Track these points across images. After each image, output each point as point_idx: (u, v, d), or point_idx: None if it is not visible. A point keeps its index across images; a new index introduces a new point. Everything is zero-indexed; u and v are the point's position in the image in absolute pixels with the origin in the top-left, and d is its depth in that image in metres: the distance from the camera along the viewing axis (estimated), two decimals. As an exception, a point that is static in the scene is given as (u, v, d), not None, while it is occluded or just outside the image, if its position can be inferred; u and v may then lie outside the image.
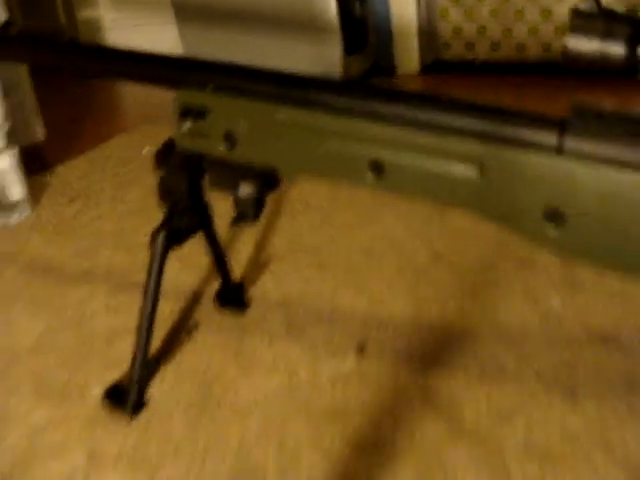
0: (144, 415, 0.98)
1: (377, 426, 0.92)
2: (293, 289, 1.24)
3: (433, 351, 1.05)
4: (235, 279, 1.21)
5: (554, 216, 0.72)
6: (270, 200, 1.53)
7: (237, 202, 0.92)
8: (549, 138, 0.71)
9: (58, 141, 2.14)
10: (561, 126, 0.71)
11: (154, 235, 0.98)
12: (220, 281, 1.19)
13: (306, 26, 2.37)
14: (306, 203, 1.58)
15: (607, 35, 0.66)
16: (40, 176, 1.90)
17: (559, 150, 0.70)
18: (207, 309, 1.20)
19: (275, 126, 0.82)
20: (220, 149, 0.87)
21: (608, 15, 0.67)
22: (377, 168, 0.78)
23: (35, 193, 1.78)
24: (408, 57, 2.62)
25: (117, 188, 1.80)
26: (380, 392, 0.98)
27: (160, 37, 2.83)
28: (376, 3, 2.58)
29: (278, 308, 1.19)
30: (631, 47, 0.65)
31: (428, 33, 2.61)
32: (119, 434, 0.95)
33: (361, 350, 1.06)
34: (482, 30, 2.53)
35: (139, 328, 0.99)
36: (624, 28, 0.66)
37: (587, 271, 1.19)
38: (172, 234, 0.98)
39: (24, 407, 1.03)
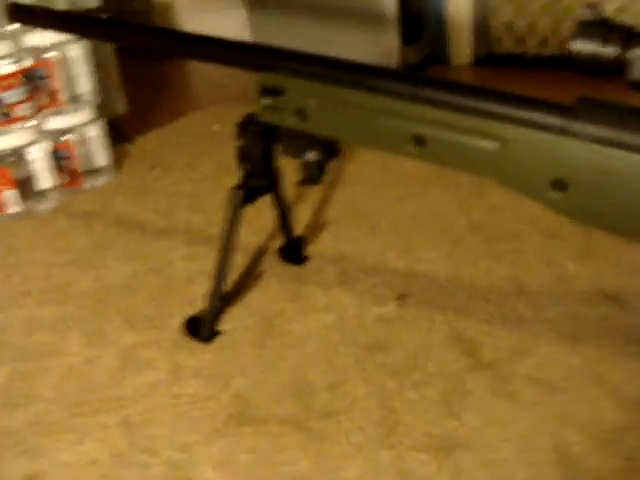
0: (217, 341, 1.19)
1: (411, 357, 1.11)
2: (347, 247, 1.44)
3: (463, 302, 1.23)
4: (297, 236, 1.40)
5: (558, 184, 0.90)
6: (330, 172, 1.74)
7: (304, 166, 1.12)
8: (557, 120, 0.88)
9: (138, 115, 2.35)
10: (567, 111, 0.88)
11: (233, 193, 1.17)
12: (283, 238, 1.38)
13: (366, 16, 2.54)
14: (362, 175, 1.77)
15: (604, 40, 0.83)
16: (122, 146, 2.12)
17: (564, 131, 0.88)
18: (271, 261, 1.41)
19: (339, 104, 1.01)
20: (293, 121, 1.06)
21: (605, 24, 0.83)
22: (419, 141, 0.96)
23: (118, 160, 1.99)
24: (461, 49, 2.77)
25: (190, 158, 2.01)
26: (416, 332, 1.17)
27: (229, 22, 3.02)
28: (433, -4, 2.74)
29: (333, 262, 1.39)
30: (623, 50, 0.82)
31: (481, 27, 2.76)
32: (197, 354, 1.16)
33: (402, 298, 1.25)
34: (532, 26, 2.68)
35: (217, 268, 1.19)
36: (618, 35, 0.82)
37: (603, 243, 1.37)
38: (248, 192, 1.18)
39: (117, 332, 1.24)
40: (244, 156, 1.17)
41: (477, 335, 1.15)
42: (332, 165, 1.64)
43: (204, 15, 3.17)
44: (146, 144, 2.16)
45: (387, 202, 1.63)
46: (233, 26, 2.89)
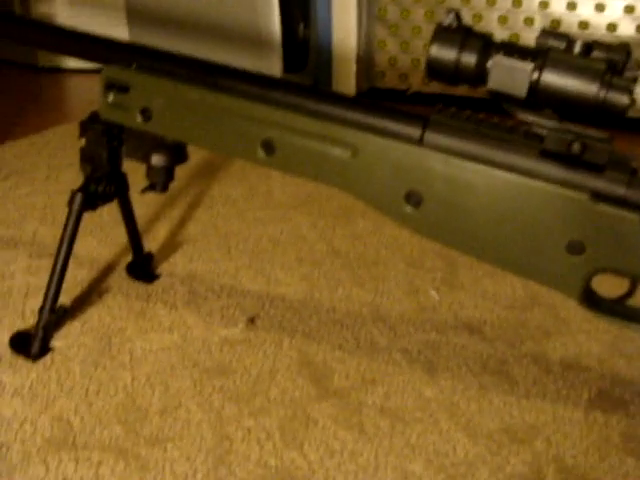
0: (48, 358, 1.08)
1: (254, 383, 1.03)
2: (200, 267, 1.36)
3: (316, 327, 1.16)
4: (147, 252, 1.31)
5: (413, 198, 0.84)
6: (193, 192, 1.65)
7: (148, 172, 1.03)
8: (413, 131, 0.84)
9: (1, 126, 2.22)
10: (424, 121, 0.84)
11: (72, 196, 1.08)
12: (132, 253, 1.29)
13: (249, 42, 2.49)
14: (226, 197, 1.70)
15: (462, 47, 0.79)
16: (-21, 154, 1.98)
17: (419, 141, 0.83)
18: (119, 278, 1.31)
19: (185, 104, 0.94)
20: (137, 121, 0.98)
21: (465, 30, 0.79)
22: (268, 147, 0.89)
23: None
24: (345, 82, 2.76)
25: (52, 170, 1.89)
26: (262, 357, 1.09)
27: (112, 35, 2.93)
28: (320, 28, 2.72)
29: (183, 281, 1.30)
30: (482, 59, 0.78)
31: (366, 61, 2.76)
32: (21, 372, 1.05)
33: (251, 321, 1.17)
34: (416, 63, 2.68)
35: (50, 279, 1.09)
36: (478, 42, 0.78)
37: (468, 273, 1.33)
38: (89, 197, 1.08)
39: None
40: (86, 157, 1.08)
41: (328, 361, 1.08)
42: (196, 185, 1.57)
43: (87, 28, 3.05)
44: (4, 153, 2.03)
45: (248, 224, 1.56)
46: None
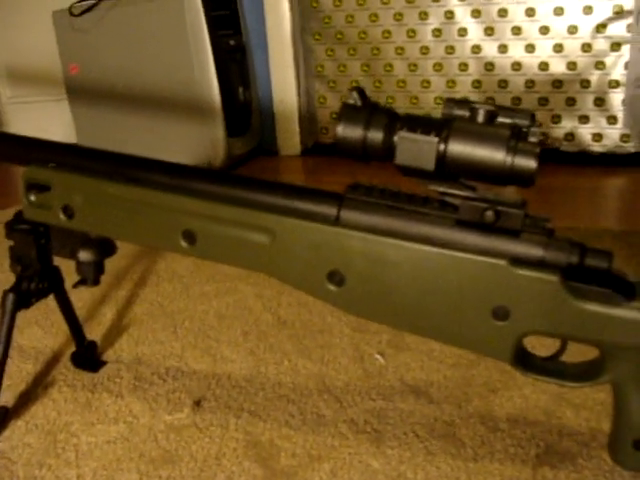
0: (-11, 462, 1.06)
1: (200, 470, 1.02)
2: (146, 350, 1.35)
3: (262, 404, 1.16)
4: (90, 340, 1.30)
5: (335, 278, 0.85)
6: (139, 270, 1.65)
7: (78, 267, 1.03)
8: (328, 210, 0.84)
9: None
10: (339, 200, 0.85)
11: (5, 296, 1.07)
12: (75, 343, 1.28)
13: (190, 109, 2.51)
14: (171, 273, 1.70)
15: (368, 125, 0.80)
16: None
17: (337, 220, 0.84)
18: (65, 368, 1.29)
19: (105, 200, 0.94)
20: (60, 219, 0.98)
21: (370, 107, 0.81)
22: (189, 237, 0.90)
23: None
24: (289, 140, 2.78)
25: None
26: (208, 441, 1.08)
27: (55, 113, 2.95)
28: (260, 89, 2.75)
29: (129, 367, 1.29)
30: (388, 135, 0.79)
31: (308, 118, 2.79)
32: (-38, 480, 1.03)
33: (197, 404, 1.16)
34: (357, 116, 2.72)
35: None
36: (382, 118, 0.80)
37: (413, 335, 1.33)
38: (21, 296, 1.08)
39: None
40: (16, 257, 1.08)
41: (274, 440, 1.07)
42: (142, 263, 1.57)
43: (31, 108, 3.08)
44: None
45: (193, 300, 1.56)
46: (60, 117, 2.81)
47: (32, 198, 0.99)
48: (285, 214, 0.85)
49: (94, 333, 1.36)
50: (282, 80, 2.71)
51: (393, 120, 0.79)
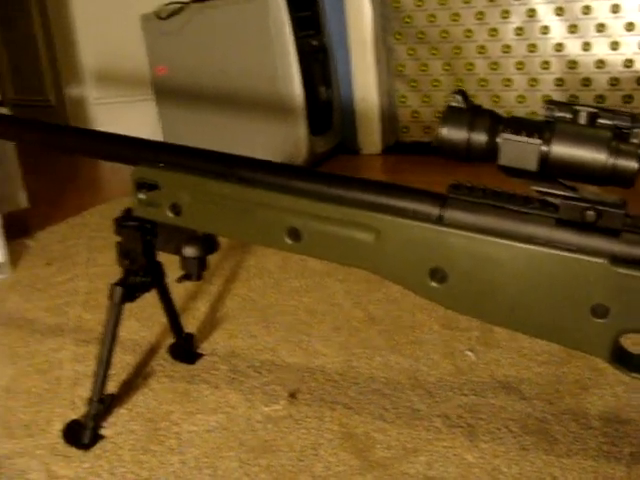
0: (98, 447, 1.11)
1: (298, 459, 1.05)
2: (240, 343, 1.39)
3: (356, 398, 1.19)
4: (187, 333, 1.35)
5: (437, 275, 0.87)
6: (229, 266, 1.69)
7: (182, 263, 1.08)
8: (432, 210, 0.87)
9: (41, 209, 2.30)
10: (442, 199, 0.87)
11: (112, 290, 1.12)
12: (173, 335, 1.33)
13: (274, 107, 2.55)
14: (261, 269, 1.74)
15: (472, 127, 0.82)
16: (22, 240, 2.05)
17: (440, 220, 0.86)
18: (162, 360, 1.35)
19: (212, 198, 0.98)
20: (168, 217, 1.03)
21: (473, 109, 0.82)
22: (294, 234, 0.93)
23: (16, 256, 1.93)
24: (370, 139, 2.81)
25: (92, 252, 1.95)
26: (305, 432, 1.11)
27: (141, 112, 3.02)
28: (341, 88, 2.78)
29: (225, 359, 1.33)
30: (491, 137, 0.81)
31: (389, 117, 2.81)
32: (74, 463, 1.08)
33: (292, 396, 1.20)
34: (439, 115, 2.73)
35: (96, 371, 1.13)
36: (486, 120, 0.81)
37: (503, 331, 1.34)
38: (128, 289, 1.13)
39: (-8, 439, 1.16)
40: (123, 252, 1.12)
41: (369, 432, 1.10)
42: (232, 259, 1.61)
43: (117, 108, 3.16)
44: (47, 238, 2.10)
45: (284, 296, 1.60)
46: (146, 116, 2.88)
47: (141, 196, 1.04)
48: (389, 213, 0.88)
49: (189, 326, 1.40)
50: (363, 79, 2.74)
51: (496, 122, 0.81)
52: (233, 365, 1.31)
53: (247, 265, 1.76)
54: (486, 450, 1.05)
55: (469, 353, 1.30)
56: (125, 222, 1.10)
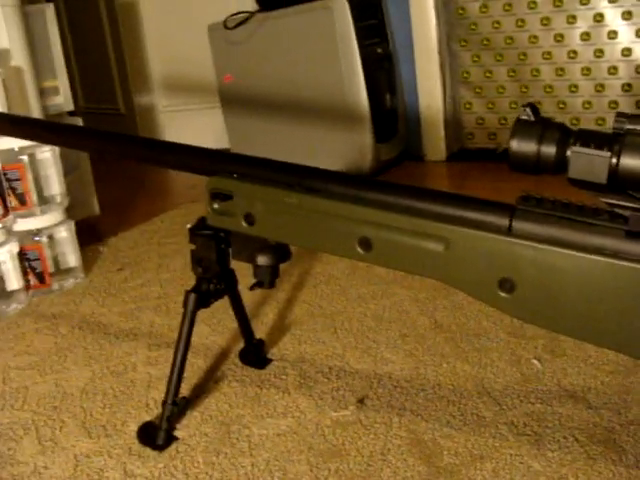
0: (172, 448, 1.15)
1: (367, 464, 1.08)
2: (309, 349, 1.42)
3: (424, 404, 1.21)
4: (257, 339, 1.38)
5: (506, 285, 0.88)
6: (296, 273, 1.72)
7: (255, 271, 1.11)
8: (501, 221, 0.88)
9: (112, 215, 2.37)
10: (511, 210, 0.88)
11: (187, 296, 1.16)
12: (244, 341, 1.37)
13: (339, 115, 2.58)
14: (328, 276, 1.77)
15: (541, 140, 0.83)
16: (94, 246, 2.12)
17: (509, 230, 0.87)
18: (233, 364, 1.38)
19: (285, 208, 1.01)
20: (242, 226, 1.06)
21: (543, 123, 0.84)
22: (365, 244, 0.95)
23: (89, 261, 1.99)
24: (435, 146, 2.82)
25: (162, 258, 2.00)
26: (373, 437, 1.14)
27: (208, 120, 3.08)
28: (406, 95, 2.79)
29: (294, 365, 1.36)
30: (560, 149, 0.82)
31: (453, 124, 2.81)
32: (149, 463, 1.12)
33: (361, 402, 1.22)
34: (503, 121, 2.73)
35: (170, 374, 1.16)
36: (555, 134, 0.83)
37: (569, 339, 1.34)
38: (201, 296, 1.17)
39: (70, 440, 1.21)
40: (197, 260, 1.16)
41: (436, 439, 1.12)
42: (299, 266, 1.64)
43: (184, 115, 3.22)
44: (118, 244, 2.17)
45: (350, 302, 1.62)
46: (212, 126, 2.94)
47: (216, 206, 1.07)
48: (459, 224, 0.89)
49: (258, 332, 1.43)
50: (428, 86, 2.75)
51: (566, 135, 0.82)
52: (302, 370, 1.34)
53: (314, 272, 1.80)
54: (553, 459, 1.06)
55: (535, 361, 1.30)
56: (199, 231, 1.14)
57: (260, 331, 1.47)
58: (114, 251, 2.12)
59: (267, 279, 1.10)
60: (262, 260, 1.08)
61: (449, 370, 1.30)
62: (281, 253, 1.09)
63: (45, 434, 1.23)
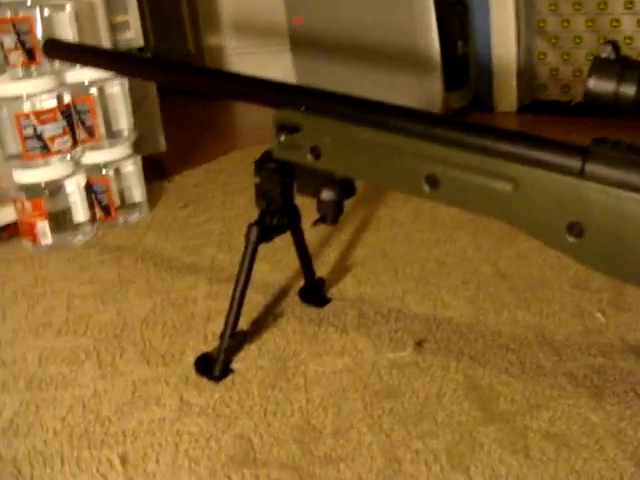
0: (228, 380, 1.16)
1: (422, 406, 1.07)
2: (368, 290, 1.41)
3: (482, 350, 1.19)
4: (318, 278, 1.38)
5: (574, 229, 0.86)
6: (360, 216, 1.71)
7: (319, 206, 1.10)
8: (574, 163, 0.85)
9: (178, 153, 2.38)
10: (584, 153, 0.85)
11: (249, 229, 1.16)
12: (304, 279, 1.36)
13: (410, 61, 2.54)
14: (392, 219, 1.76)
15: (621, 79, 0.80)
16: (159, 182, 2.14)
17: (581, 173, 0.84)
18: (292, 302, 1.38)
19: (353, 143, 1.00)
20: (308, 159, 1.05)
21: (623, 61, 0.80)
22: (432, 182, 0.94)
23: (154, 197, 2.01)
24: (506, 96, 2.75)
25: (226, 196, 2.01)
26: (430, 380, 1.13)
27: (277, 62, 3.06)
28: (478, 43, 2.73)
29: (353, 305, 1.36)
30: (640, 90, 0.79)
31: (526, 74, 2.74)
32: (205, 392, 1.14)
33: (419, 345, 1.21)
34: (578, 73, 2.65)
35: (230, 307, 1.17)
36: (636, 73, 0.79)
37: (635, 294, 1.32)
38: (264, 230, 1.16)
39: (130, 367, 1.23)
40: (261, 193, 1.16)
41: (494, 385, 1.11)
42: (363, 209, 1.63)
43: (253, 57, 3.21)
44: (183, 182, 2.18)
45: (413, 247, 1.61)
46: (280, 66, 2.92)
47: (282, 139, 1.06)
48: (529, 164, 0.87)
49: (319, 272, 1.43)
50: (502, 35, 2.68)
51: (650, 75, 0.79)
52: (361, 311, 1.34)
53: (379, 215, 1.78)
54: (612, 412, 1.04)
55: (599, 315, 1.28)
56: (265, 164, 1.13)
57: (321, 271, 1.46)
58: (178, 188, 2.13)
59: (331, 215, 1.09)
60: (326, 195, 1.07)
61: (510, 318, 1.28)
62: (346, 188, 1.08)
63: (105, 360, 1.25)
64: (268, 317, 1.34)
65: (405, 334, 1.25)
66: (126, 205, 1.90)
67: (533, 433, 1.00)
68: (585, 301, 1.33)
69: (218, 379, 1.17)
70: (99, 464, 1.00)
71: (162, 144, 2.27)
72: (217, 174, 2.24)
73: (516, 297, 1.36)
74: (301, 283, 1.39)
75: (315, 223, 1.12)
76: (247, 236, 1.16)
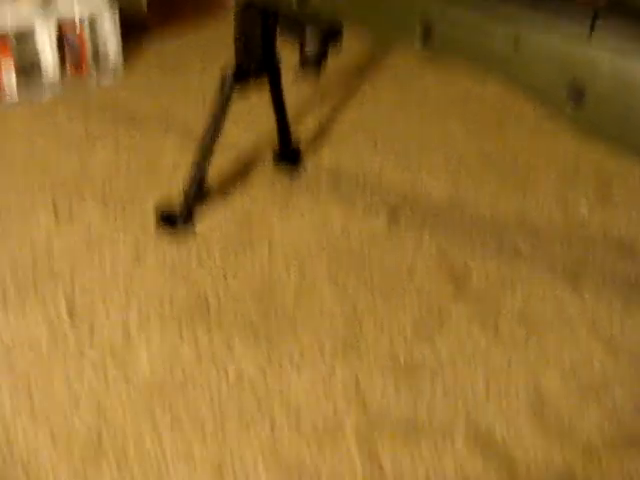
0: (190, 239, 1.10)
1: (391, 276, 1.01)
2: (346, 161, 1.34)
3: (459, 227, 1.13)
4: (294, 142, 1.31)
5: (575, 91, 0.79)
6: (343, 91, 1.63)
7: (302, 51, 1.01)
8: (582, 24, 0.78)
9: (159, 18, 2.25)
10: (593, 16, 0.77)
11: (225, 70, 1.08)
12: (280, 142, 1.28)
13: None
14: (377, 97, 1.67)
15: None
16: (137, 43, 2.02)
17: (589, 36, 0.77)
18: (265, 167, 1.31)
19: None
20: (293, 4, 0.96)
21: None
22: (426, 31, 0.85)
23: (130, 58, 1.90)
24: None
25: (205, 63, 1.91)
26: (401, 252, 1.07)
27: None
28: None
29: (329, 174, 1.29)
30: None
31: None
32: (164, 247, 1.08)
33: (393, 216, 1.15)
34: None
35: (199, 150, 1.11)
36: None
37: (621, 190, 1.26)
38: (240, 71, 1.08)
39: (87, 213, 1.16)
40: (240, 33, 1.07)
41: (467, 262, 1.05)
42: (347, 85, 1.54)
43: None
44: (163, 47, 2.07)
45: (397, 123, 1.53)
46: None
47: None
48: (534, 22, 0.79)
49: (296, 140, 1.35)
50: None
51: None
52: (336, 181, 1.27)
53: (363, 91, 1.69)
54: (588, 300, 0.99)
55: (583, 206, 1.21)
56: (248, 8, 1.04)
57: (299, 140, 1.38)
58: (157, 52, 2.02)
59: (314, 58, 1.01)
60: (311, 33, 0.99)
61: (490, 199, 1.22)
62: (331, 30, 0.99)
63: (63, 205, 1.18)
64: (237, 181, 1.26)
65: (380, 205, 1.19)
66: (100, 61, 1.79)
67: (505, 311, 0.96)
68: (570, 192, 1.26)
69: (180, 233, 1.10)
70: (44, 308, 0.95)
71: (143, 4, 2.15)
72: (197, 40, 2.13)
73: (499, 179, 1.29)
74: (275, 150, 1.31)
75: (298, 74, 1.03)
76: (222, 77, 1.08)
